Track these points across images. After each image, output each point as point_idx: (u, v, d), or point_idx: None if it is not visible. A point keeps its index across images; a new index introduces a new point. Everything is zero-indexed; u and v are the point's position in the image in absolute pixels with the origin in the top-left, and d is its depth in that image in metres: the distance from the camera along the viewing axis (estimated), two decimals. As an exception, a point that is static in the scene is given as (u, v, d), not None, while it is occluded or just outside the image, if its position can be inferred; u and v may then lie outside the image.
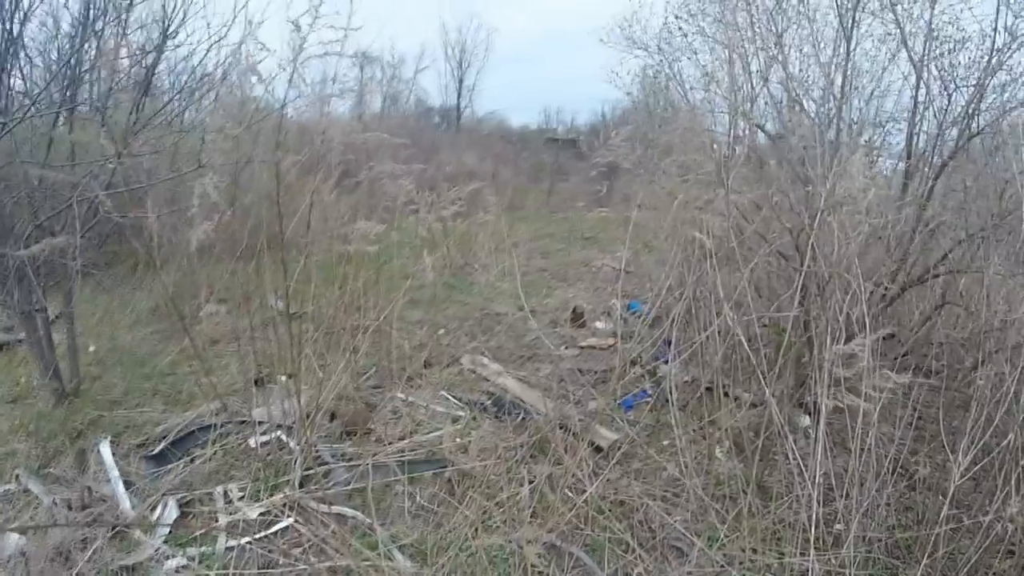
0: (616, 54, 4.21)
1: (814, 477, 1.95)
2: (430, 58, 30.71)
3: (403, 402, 3.18)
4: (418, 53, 30.40)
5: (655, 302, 4.66)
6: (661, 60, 3.85)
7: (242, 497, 2.33)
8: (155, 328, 4.22)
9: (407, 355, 3.82)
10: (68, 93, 3.09)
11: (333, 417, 2.94)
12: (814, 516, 1.98)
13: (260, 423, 2.72)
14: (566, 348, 3.87)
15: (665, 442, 2.93)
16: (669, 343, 3.94)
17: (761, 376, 2.75)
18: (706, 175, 2.49)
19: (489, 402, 3.14)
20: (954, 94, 2.71)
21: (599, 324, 4.29)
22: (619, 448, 2.78)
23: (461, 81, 29.62)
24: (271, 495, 2.34)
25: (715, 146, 2.72)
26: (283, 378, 2.87)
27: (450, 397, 3.26)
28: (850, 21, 2.87)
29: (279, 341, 2.81)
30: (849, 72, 2.81)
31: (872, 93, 3.00)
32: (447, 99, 29.03)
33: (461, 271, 6.08)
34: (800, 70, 2.99)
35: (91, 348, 3.84)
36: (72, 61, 3.07)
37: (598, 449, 2.79)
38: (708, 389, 3.10)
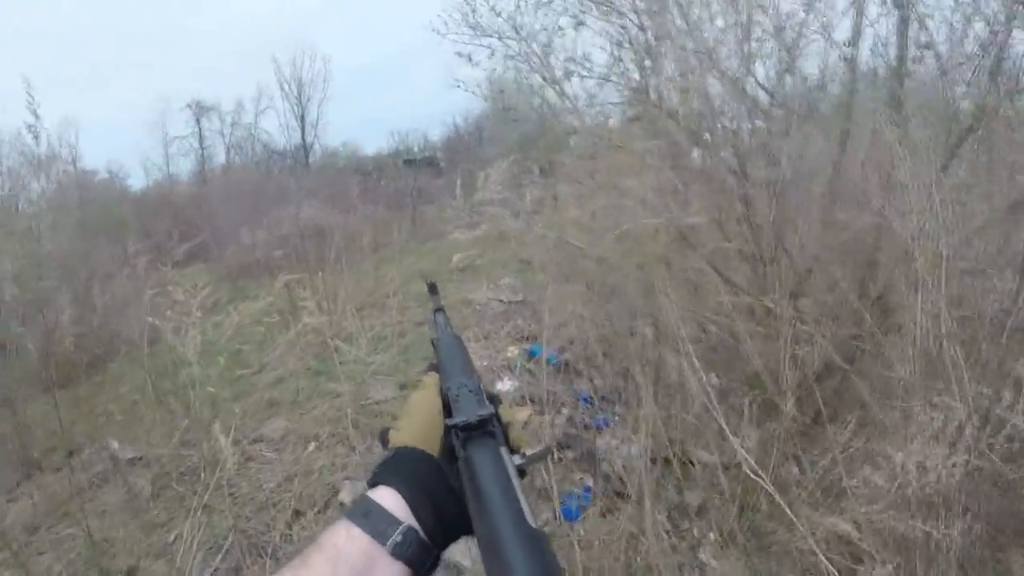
0: (458, 54, 3.30)
1: None
2: (268, 98, 28.44)
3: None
4: (256, 95, 27.97)
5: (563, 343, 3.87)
6: (521, 46, 3.05)
7: None
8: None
9: (272, 503, 2.81)
10: None
11: None
12: None
13: None
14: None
15: (638, 558, 2.11)
16: (590, 401, 3.14)
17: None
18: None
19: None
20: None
21: (502, 385, 3.43)
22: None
23: (303, 117, 27.70)
24: None
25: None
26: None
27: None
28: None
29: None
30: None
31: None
32: (291, 138, 27.11)
33: (325, 349, 4.93)
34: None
35: None
36: None
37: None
38: (665, 460, 2.34)
